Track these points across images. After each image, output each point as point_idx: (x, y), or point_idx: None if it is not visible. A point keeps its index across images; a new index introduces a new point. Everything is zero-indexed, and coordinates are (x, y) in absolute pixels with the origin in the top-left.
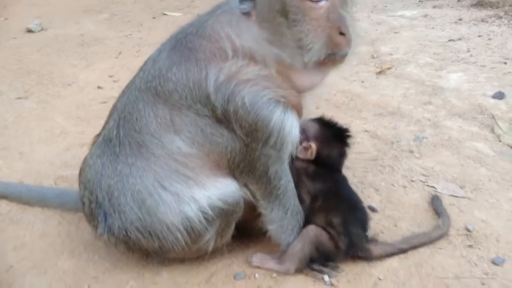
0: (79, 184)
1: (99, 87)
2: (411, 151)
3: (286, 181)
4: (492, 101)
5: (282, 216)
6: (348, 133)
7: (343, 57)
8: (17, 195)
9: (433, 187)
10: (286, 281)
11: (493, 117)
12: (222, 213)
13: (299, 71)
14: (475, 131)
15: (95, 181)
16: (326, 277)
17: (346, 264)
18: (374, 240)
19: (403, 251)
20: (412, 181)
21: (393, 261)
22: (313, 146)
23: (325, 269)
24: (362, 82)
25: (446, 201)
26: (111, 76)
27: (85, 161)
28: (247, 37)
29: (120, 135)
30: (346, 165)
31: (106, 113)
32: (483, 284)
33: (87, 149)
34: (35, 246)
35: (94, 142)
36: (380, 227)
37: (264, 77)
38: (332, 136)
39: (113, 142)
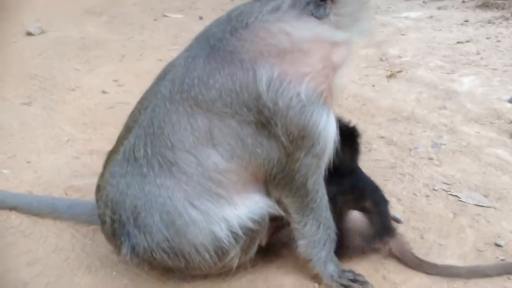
0: (98, 202)
1: (104, 92)
2: (430, 158)
3: (322, 193)
4: (509, 105)
5: (315, 231)
6: (357, 133)
7: None
8: (27, 206)
9: (457, 196)
10: None
11: (511, 122)
12: (250, 232)
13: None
14: (493, 137)
15: (119, 201)
16: None
17: (376, 280)
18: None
19: (419, 269)
20: (434, 190)
21: (424, 277)
22: None
23: (355, 285)
24: (373, 86)
25: (472, 211)
26: (115, 81)
27: (103, 179)
28: (305, 30)
29: (148, 154)
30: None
31: (113, 119)
32: None
33: (97, 157)
34: (49, 261)
35: (110, 158)
36: (407, 239)
37: (319, 70)
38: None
39: (140, 162)
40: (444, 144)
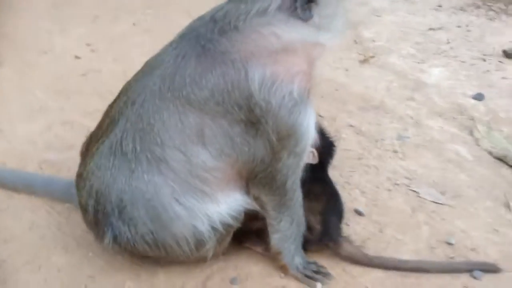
0: (80, 191)
1: (76, 57)
2: (395, 151)
3: (298, 193)
4: (472, 101)
5: (288, 227)
6: (334, 143)
7: None
8: (2, 180)
9: (416, 192)
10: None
11: (472, 119)
12: (229, 227)
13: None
14: (454, 132)
15: (104, 193)
16: (319, 285)
17: (336, 272)
18: (348, 239)
19: (371, 265)
20: (396, 184)
21: (380, 272)
22: (316, 152)
23: (318, 276)
24: (346, 70)
25: (429, 208)
26: (88, 45)
27: (87, 169)
28: (293, 32)
29: (137, 150)
30: (334, 164)
31: (85, 88)
32: None
33: (69, 128)
34: (26, 239)
35: (92, 148)
36: (367, 233)
37: (305, 69)
38: (325, 144)
39: (128, 157)
40: (409, 137)
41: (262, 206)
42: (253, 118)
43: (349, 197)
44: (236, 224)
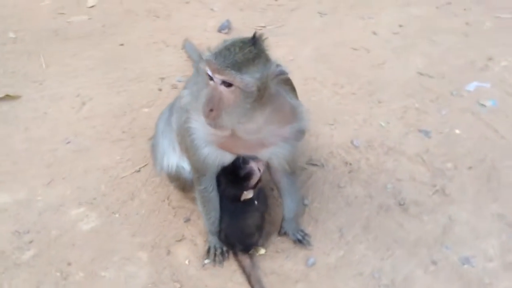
0: None
1: None
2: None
3: (203, 189)
4: None
5: (201, 210)
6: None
7: (216, 128)
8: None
9: None
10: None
11: None
12: (178, 172)
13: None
14: None
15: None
16: (207, 260)
17: (229, 269)
18: (251, 255)
19: (249, 282)
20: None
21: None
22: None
23: (213, 258)
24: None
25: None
26: None
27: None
28: (193, 85)
29: (171, 111)
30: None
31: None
32: None
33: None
34: None
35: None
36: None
37: (198, 120)
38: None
39: (169, 111)
40: None
41: None
42: None
43: None
44: (185, 176)
